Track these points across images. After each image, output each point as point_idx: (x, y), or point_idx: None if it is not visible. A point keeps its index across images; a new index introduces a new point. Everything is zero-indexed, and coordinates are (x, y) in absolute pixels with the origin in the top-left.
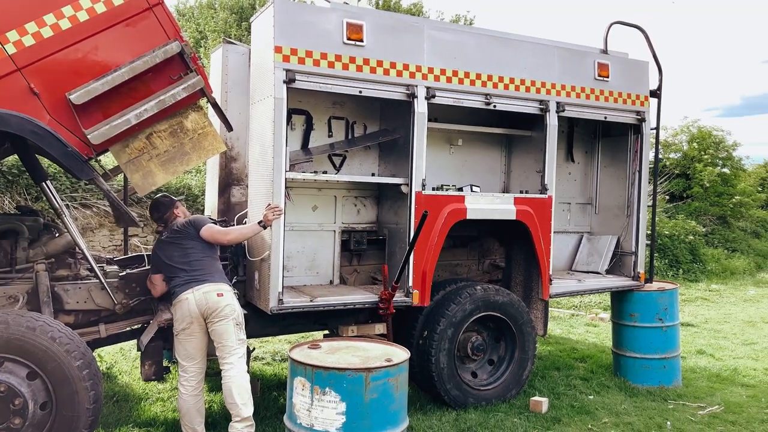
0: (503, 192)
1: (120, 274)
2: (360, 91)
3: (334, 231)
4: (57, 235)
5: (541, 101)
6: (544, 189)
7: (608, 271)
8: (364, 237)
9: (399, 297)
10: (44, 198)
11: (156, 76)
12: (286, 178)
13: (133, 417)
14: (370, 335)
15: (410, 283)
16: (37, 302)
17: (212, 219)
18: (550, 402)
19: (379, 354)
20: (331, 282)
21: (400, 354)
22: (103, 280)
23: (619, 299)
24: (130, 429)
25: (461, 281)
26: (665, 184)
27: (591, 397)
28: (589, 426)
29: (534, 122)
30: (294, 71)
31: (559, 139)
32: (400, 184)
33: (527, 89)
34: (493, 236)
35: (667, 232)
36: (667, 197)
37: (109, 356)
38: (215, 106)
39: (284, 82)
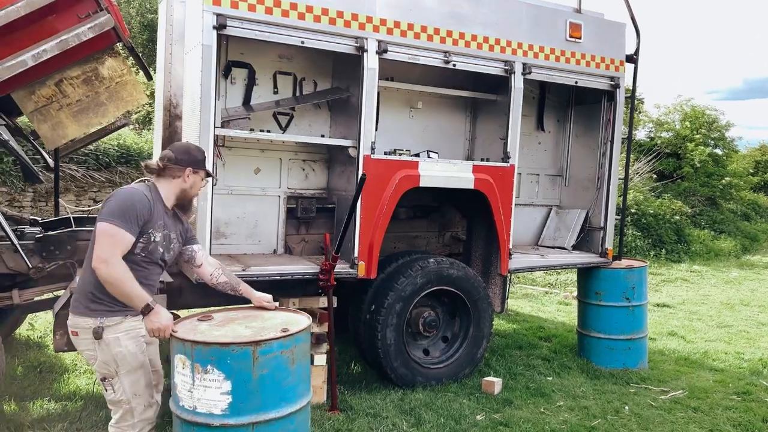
0: (467, 160)
1: (37, 236)
2: (302, 42)
3: (279, 196)
4: None
5: (505, 62)
6: (506, 157)
7: (575, 247)
8: (312, 204)
9: (343, 268)
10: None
11: (62, 15)
12: (216, 135)
13: (53, 389)
14: (312, 308)
15: (356, 254)
16: None
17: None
18: (505, 383)
19: (278, 323)
20: (275, 251)
21: (300, 322)
22: (15, 242)
23: (585, 276)
24: (45, 402)
25: (414, 253)
26: (655, 163)
27: (550, 378)
28: (542, 409)
29: (499, 85)
30: (225, 16)
31: (530, 105)
32: (348, 147)
33: (491, 48)
34: (454, 207)
35: (651, 212)
36: (655, 176)
37: (45, 325)
38: (132, 50)
39: (214, 27)
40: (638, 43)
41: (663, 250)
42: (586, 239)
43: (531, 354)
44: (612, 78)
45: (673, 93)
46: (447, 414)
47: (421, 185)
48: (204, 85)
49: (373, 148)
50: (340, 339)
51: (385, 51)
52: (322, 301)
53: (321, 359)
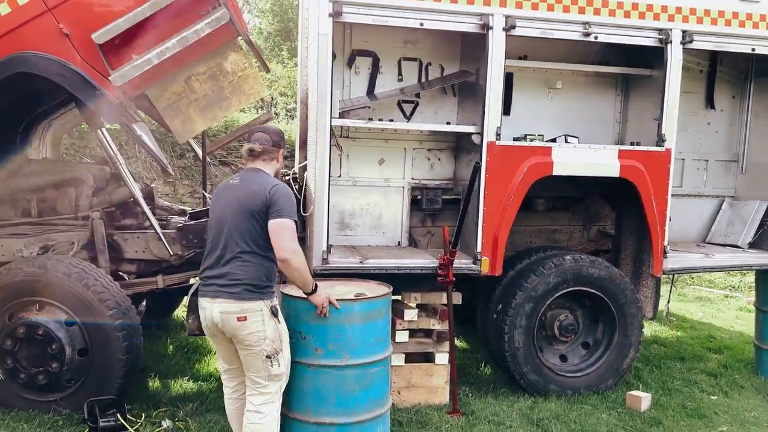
0: (617, 144)
1: (178, 226)
2: (421, 24)
3: (403, 188)
4: (123, 184)
5: (659, 30)
6: (660, 140)
7: (753, 245)
8: (438, 195)
9: (465, 263)
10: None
11: (185, 13)
12: (332, 126)
13: (194, 369)
14: (434, 304)
15: (479, 249)
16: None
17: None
18: (656, 399)
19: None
20: (399, 244)
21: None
22: (158, 230)
23: (765, 280)
24: (184, 382)
25: (550, 249)
26: None
27: (714, 397)
28: None
29: (654, 58)
30: (341, 2)
31: (697, 80)
32: (472, 134)
33: (641, 15)
34: (603, 198)
35: None
36: None
37: None
38: (250, 44)
39: (330, 15)
40: None
41: None
42: (766, 236)
43: (694, 367)
44: None
45: None
46: (579, 429)
47: (554, 174)
48: (320, 74)
49: (498, 134)
50: (473, 338)
51: (513, 27)
52: (445, 297)
53: (442, 358)
